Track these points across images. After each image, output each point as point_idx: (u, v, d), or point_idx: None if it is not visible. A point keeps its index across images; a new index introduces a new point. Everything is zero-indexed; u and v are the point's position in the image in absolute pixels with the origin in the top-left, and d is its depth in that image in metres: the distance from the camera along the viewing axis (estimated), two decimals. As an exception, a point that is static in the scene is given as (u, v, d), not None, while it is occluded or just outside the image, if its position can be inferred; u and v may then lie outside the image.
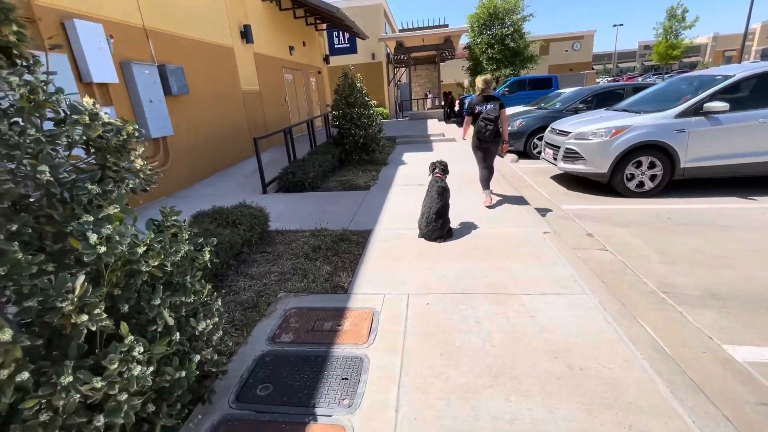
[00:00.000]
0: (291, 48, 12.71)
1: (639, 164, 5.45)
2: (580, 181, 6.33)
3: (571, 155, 5.88)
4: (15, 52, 1.49)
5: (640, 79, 36.51)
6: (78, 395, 1.28)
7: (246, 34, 9.46)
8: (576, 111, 8.52)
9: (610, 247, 3.90)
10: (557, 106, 9.50)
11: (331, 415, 1.88)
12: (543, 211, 4.88)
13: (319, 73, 16.65)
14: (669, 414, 1.77)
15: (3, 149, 1.33)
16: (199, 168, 7.53)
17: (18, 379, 1.20)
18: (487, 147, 4.99)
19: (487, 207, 4.90)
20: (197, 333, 1.86)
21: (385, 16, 21.78)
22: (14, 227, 1.33)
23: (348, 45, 19.44)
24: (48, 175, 1.38)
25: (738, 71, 5.34)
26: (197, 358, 1.80)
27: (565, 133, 6.13)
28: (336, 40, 19.49)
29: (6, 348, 1.17)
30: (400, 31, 24.41)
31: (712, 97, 5.18)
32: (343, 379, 2.11)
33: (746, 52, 45.53)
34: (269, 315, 2.80)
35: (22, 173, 1.38)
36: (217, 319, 1.99)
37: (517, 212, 4.74)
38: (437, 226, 3.92)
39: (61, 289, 1.26)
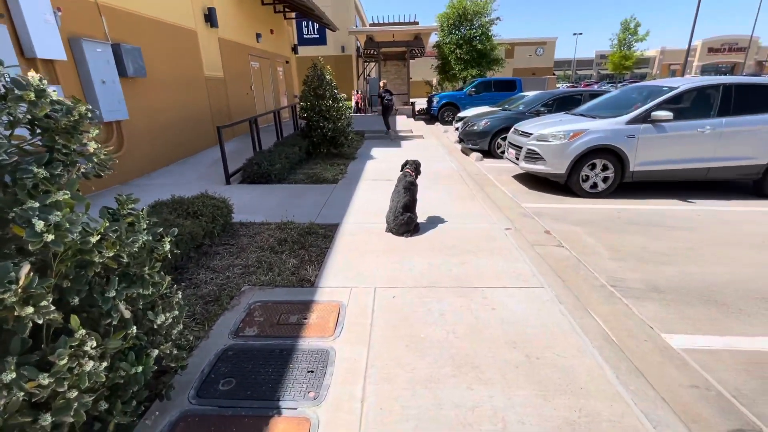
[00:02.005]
0: (258, 35, 12.30)
1: (593, 166, 5.78)
2: (539, 180, 6.62)
3: (532, 156, 6.14)
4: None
5: (596, 86, 38.60)
6: (22, 393, 1.19)
7: (210, 18, 9.05)
8: (538, 113, 8.88)
9: (566, 244, 4.12)
10: (521, 108, 9.85)
11: (296, 408, 1.87)
12: (504, 209, 5.07)
13: (287, 62, 16.25)
14: (614, 397, 1.91)
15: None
16: (158, 155, 7.14)
17: (-49, 376, 1.10)
18: (386, 114, 11.68)
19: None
20: (155, 327, 1.78)
21: (356, 9, 21.58)
22: (-53, 211, 1.21)
23: (318, 36, 19.10)
24: (-13, 155, 1.26)
25: (682, 84, 5.78)
26: (155, 352, 1.73)
27: (527, 135, 6.38)
28: (305, 30, 19.08)
29: (-63, 343, 1.07)
30: (370, 25, 24.28)
31: (658, 107, 5.58)
32: (308, 371, 2.10)
33: (688, 67, 49.38)
34: (232, 309, 2.73)
35: (-43, 152, 1.26)
36: (177, 312, 1.91)
37: (481, 209, 4.89)
38: (404, 220, 3.96)
39: (4, 279, 1.16)
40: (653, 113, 5.53)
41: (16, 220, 1.27)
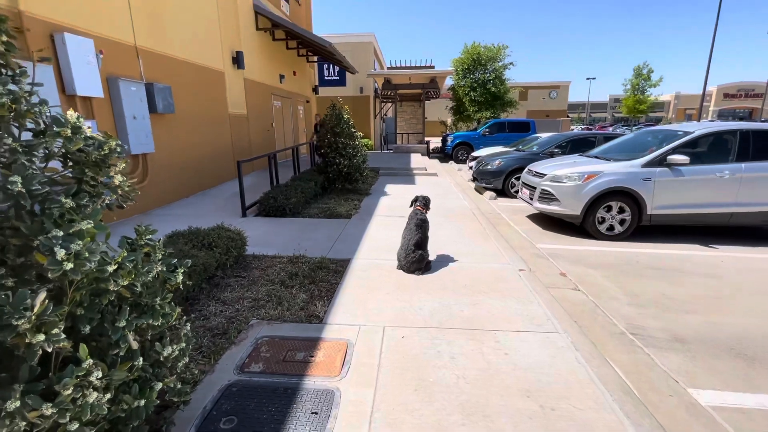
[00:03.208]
0: (281, 76, 12.99)
1: (609, 208, 5.71)
2: (554, 221, 6.55)
3: (547, 196, 6.12)
4: (1, 61, 1.48)
5: (611, 129, 38.95)
6: (24, 423, 1.18)
7: (237, 60, 9.65)
8: (552, 155, 8.94)
9: (582, 287, 4.00)
10: (534, 149, 9.96)
11: (297, 453, 1.79)
12: (518, 249, 5.00)
13: (308, 102, 16.99)
14: (638, 458, 1.77)
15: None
16: (179, 187, 7.40)
17: (-42, 402, 1.10)
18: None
19: None
20: (162, 359, 1.77)
21: (375, 53, 22.71)
22: (-24, 238, 1.27)
23: (338, 77, 20.07)
24: (20, 186, 1.33)
25: (697, 128, 5.78)
26: (159, 386, 1.70)
27: (541, 175, 6.40)
28: (326, 72, 20.10)
29: (-51, 368, 1.08)
30: (388, 68, 25.41)
31: (674, 150, 5.56)
32: (312, 413, 2.03)
33: (704, 112, 49.49)
34: (239, 343, 2.70)
35: (-5, 182, 1.34)
36: (184, 344, 1.90)
37: (494, 248, 4.83)
38: (415, 258, 3.94)
39: (20, 306, 1.19)
40: (669, 157, 5.51)
41: (40, 248, 1.32)
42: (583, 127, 46.90)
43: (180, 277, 1.89)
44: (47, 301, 1.25)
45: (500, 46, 21.58)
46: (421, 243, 4.08)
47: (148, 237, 1.85)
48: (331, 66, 19.64)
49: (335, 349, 2.61)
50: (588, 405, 2.12)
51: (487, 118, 21.32)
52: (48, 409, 1.23)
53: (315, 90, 18.10)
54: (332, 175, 8.44)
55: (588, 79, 55.47)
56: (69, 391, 1.28)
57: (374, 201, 7.70)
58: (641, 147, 6.23)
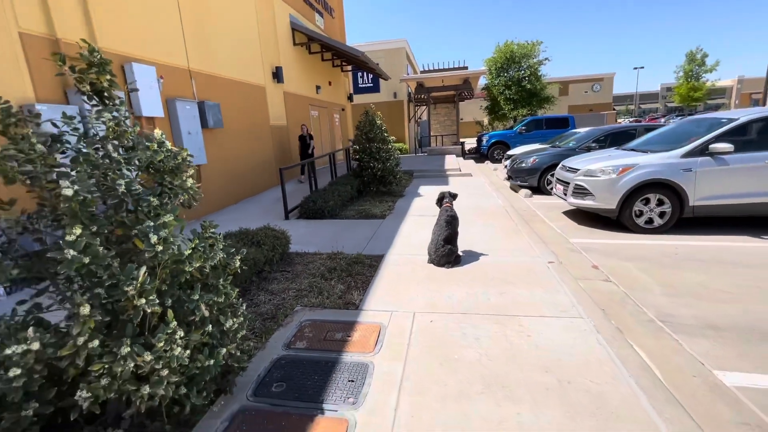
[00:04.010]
0: (318, 87, 13.65)
1: (647, 201, 5.59)
2: (591, 216, 6.48)
3: (580, 191, 6.08)
4: (106, 94, 1.92)
5: (662, 120, 36.61)
6: (132, 364, 1.58)
7: (277, 75, 10.34)
8: (589, 149, 8.77)
9: (614, 279, 4.02)
10: (571, 144, 9.78)
11: (336, 410, 2.09)
12: (550, 243, 5.05)
13: (343, 110, 17.62)
14: (646, 423, 1.90)
15: (88, 167, 1.72)
16: (228, 195, 8.09)
17: (90, 345, 1.51)
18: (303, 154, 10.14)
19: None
20: (225, 329, 2.15)
21: (407, 58, 23.06)
22: (94, 228, 1.69)
23: (371, 84, 20.62)
24: (123, 188, 1.75)
25: (743, 115, 5.53)
26: (223, 351, 2.08)
27: (574, 170, 6.36)
28: (360, 80, 20.72)
29: (84, 319, 1.49)
30: (421, 72, 25.68)
31: (717, 139, 5.35)
32: (349, 381, 2.33)
33: (772, 95, 44.99)
34: (286, 325, 3.07)
35: (104, 186, 1.77)
36: (242, 319, 2.28)
37: (525, 244, 4.93)
38: (445, 252, 4.16)
39: (129, 277, 1.59)
40: (711, 145, 5.32)
41: (138, 235, 1.73)
42: (631, 119, 44.40)
43: (237, 263, 2.27)
44: (146, 274, 1.65)
45: (534, 42, 21.18)
46: (451, 238, 4.29)
47: (211, 230, 2.25)
48: (364, 74, 20.24)
49: (369, 330, 2.91)
50: (604, 380, 2.25)
51: (524, 115, 20.94)
52: (148, 356, 1.62)
53: (350, 98, 18.73)
54: (367, 179, 8.82)
55: (635, 68, 52.46)
56: (161, 344, 1.67)
57: (407, 202, 7.97)
58: (682, 137, 6.02)
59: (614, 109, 42.34)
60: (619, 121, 33.30)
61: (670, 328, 3.05)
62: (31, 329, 1.44)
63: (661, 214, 5.59)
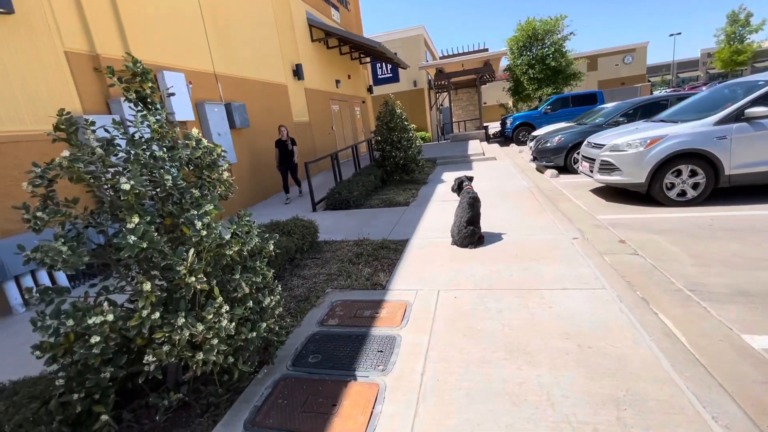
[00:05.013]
0: (337, 81, 13.83)
1: (679, 173, 5.41)
2: (620, 192, 6.33)
3: (607, 167, 5.96)
4: (149, 100, 2.16)
5: (704, 88, 34.38)
6: (188, 332, 1.82)
7: (298, 72, 10.59)
8: (617, 124, 8.48)
9: (642, 252, 3.98)
10: (598, 120, 9.48)
11: (368, 376, 2.28)
12: (576, 221, 5.02)
13: (363, 102, 17.75)
14: (666, 381, 1.97)
15: (137, 166, 1.96)
16: (257, 191, 8.46)
17: (153, 317, 1.76)
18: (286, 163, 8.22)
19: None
20: (263, 306, 2.38)
21: (426, 45, 22.81)
22: (148, 218, 1.93)
23: (390, 75, 20.60)
24: (170, 182, 1.99)
25: (782, 75, 5.22)
26: (263, 325, 2.31)
27: (600, 146, 6.23)
28: (379, 71, 20.74)
29: (147, 294, 1.74)
30: (440, 57, 25.33)
31: (753, 103, 5.10)
32: (378, 351, 2.51)
33: (829, 52, 41.04)
34: (318, 305, 3.29)
35: (153, 181, 2.01)
36: (278, 297, 2.50)
37: (550, 222, 4.93)
38: (467, 233, 4.25)
39: (180, 257, 1.82)
40: (747, 110, 5.07)
41: (185, 223, 1.96)
42: (669, 90, 41.88)
43: (271, 246, 2.49)
44: (194, 256, 1.88)
45: (558, 17, 20.38)
46: (473, 219, 4.37)
47: (246, 218, 2.48)
48: (383, 64, 20.24)
49: (396, 307, 3.08)
50: (625, 344, 2.31)
51: (549, 94, 20.29)
52: (200, 326, 1.85)
53: (370, 90, 18.82)
54: (390, 168, 8.95)
55: (671, 35, 49.31)
56: (210, 316, 1.90)
57: (431, 189, 8.05)
58: (717, 104, 5.74)
59: (649, 81, 40.08)
60: (655, 92, 31.53)
61: (698, 296, 3.03)
62: (105, 303, 1.70)
63: (695, 186, 5.40)
